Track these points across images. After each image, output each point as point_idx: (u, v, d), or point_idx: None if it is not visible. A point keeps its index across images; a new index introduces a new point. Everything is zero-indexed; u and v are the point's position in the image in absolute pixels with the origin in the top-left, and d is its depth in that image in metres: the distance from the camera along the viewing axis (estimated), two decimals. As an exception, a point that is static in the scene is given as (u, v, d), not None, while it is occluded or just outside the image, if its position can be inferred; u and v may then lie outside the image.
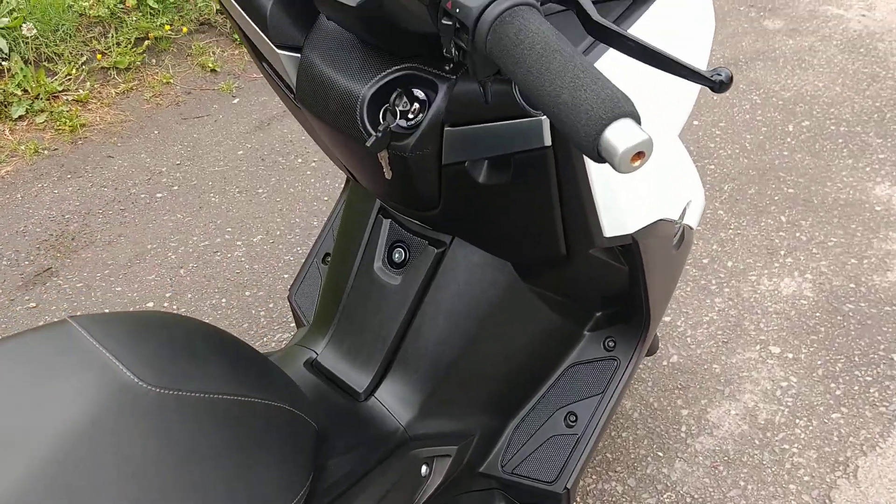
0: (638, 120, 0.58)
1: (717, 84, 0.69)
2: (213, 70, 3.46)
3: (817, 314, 2.24)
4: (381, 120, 0.91)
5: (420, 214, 1.07)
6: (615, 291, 1.25)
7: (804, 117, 3.02)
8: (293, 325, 2.18)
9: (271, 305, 2.27)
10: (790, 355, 2.12)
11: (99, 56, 3.32)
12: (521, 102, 0.79)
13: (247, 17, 1.01)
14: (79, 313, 0.90)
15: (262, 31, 1.00)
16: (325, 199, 2.68)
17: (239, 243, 2.52)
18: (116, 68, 3.33)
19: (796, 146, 2.87)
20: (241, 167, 2.88)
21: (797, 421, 1.95)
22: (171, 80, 3.36)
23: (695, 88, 1.08)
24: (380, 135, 0.88)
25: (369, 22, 0.84)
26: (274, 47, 0.99)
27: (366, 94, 0.91)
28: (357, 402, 1.13)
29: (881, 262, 2.39)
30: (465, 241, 1.09)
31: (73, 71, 3.22)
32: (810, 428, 1.94)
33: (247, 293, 2.32)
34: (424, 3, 0.73)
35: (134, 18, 3.46)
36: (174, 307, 2.28)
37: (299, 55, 0.99)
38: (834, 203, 2.61)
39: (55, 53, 3.24)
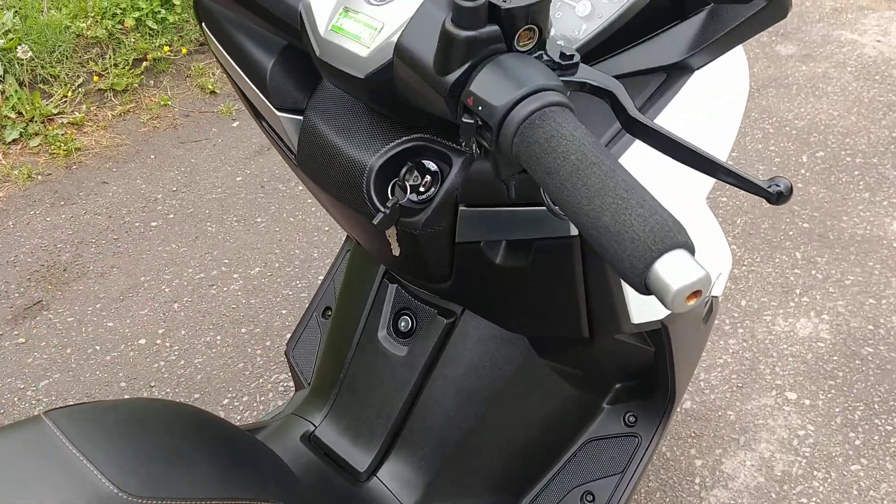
0: (692, 251, 0.50)
1: (773, 196, 0.61)
2: (212, 92, 3.39)
3: (835, 358, 2.15)
4: (389, 194, 0.83)
5: (429, 286, 0.99)
6: (638, 367, 1.17)
7: (818, 148, 2.94)
8: (291, 365, 2.10)
9: (268, 343, 2.18)
10: (807, 402, 2.04)
11: (96, 78, 3.24)
12: (550, 205, 0.71)
13: (245, 77, 0.93)
14: (55, 407, 0.82)
15: (262, 93, 0.92)
16: (327, 229, 2.60)
17: (236, 276, 2.43)
18: (113, 90, 3.25)
19: (811, 178, 2.80)
20: (240, 194, 2.80)
21: (815, 473, 1.87)
22: (170, 102, 3.29)
23: (725, 148, 1.00)
24: (388, 211, 0.80)
25: (378, 94, 0.76)
26: (274, 110, 0.92)
27: (373, 166, 0.83)
28: (357, 482, 1.05)
29: (901, 303, 2.31)
30: (478, 314, 1.01)
31: (69, 93, 3.15)
32: (829, 480, 1.85)
33: (243, 330, 2.24)
34: (442, 96, 0.65)
35: (132, 39, 3.39)
36: (167, 344, 2.19)
37: (301, 118, 0.91)
38: (850, 239, 2.53)
39: (51, 75, 3.17)
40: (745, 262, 2.47)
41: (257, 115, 0.99)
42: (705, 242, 1.03)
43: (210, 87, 3.39)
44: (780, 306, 2.31)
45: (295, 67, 0.91)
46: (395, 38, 0.71)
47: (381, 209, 0.81)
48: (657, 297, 0.49)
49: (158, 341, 2.21)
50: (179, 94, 3.37)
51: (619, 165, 0.53)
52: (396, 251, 0.87)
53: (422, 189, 0.83)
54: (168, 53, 3.46)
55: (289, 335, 2.16)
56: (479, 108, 0.60)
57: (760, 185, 0.61)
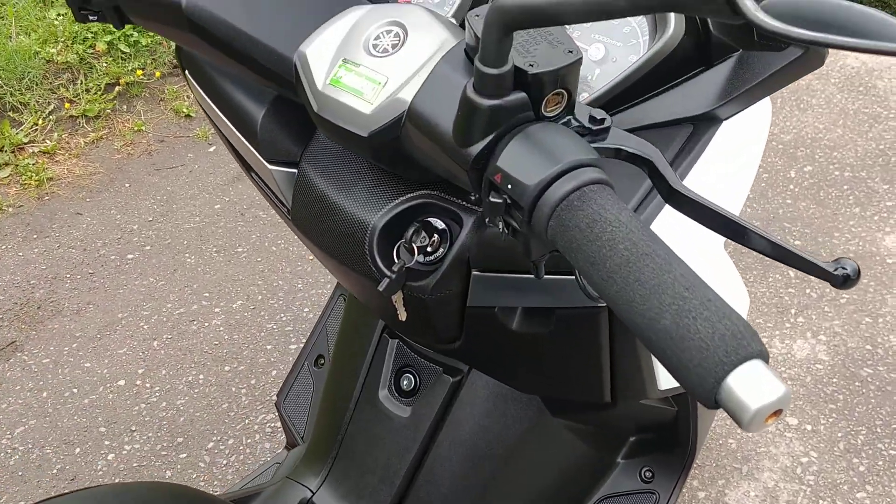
0: (767, 359, 0.43)
1: (839, 279, 0.54)
2: (187, 115, 3.30)
3: (834, 380, 2.11)
4: (394, 257, 0.76)
5: (435, 346, 0.92)
6: (656, 422, 1.11)
7: (806, 162, 2.90)
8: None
9: (253, 382, 2.11)
10: (809, 427, 1.99)
11: (67, 104, 3.15)
12: (586, 288, 0.64)
13: (233, 129, 0.86)
14: (34, 503, 0.75)
15: (252, 145, 0.85)
16: (311, 258, 2.53)
17: (217, 310, 2.35)
18: (85, 116, 3.16)
19: (800, 194, 2.76)
20: (219, 223, 2.72)
21: (820, 502, 1.83)
22: (144, 128, 3.20)
23: (743, 189, 0.94)
24: (394, 276, 0.73)
25: (383, 152, 0.69)
26: (265, 163, 0.85)
27: (376, 225, 0.76)
28: None
29: (897, 321, 2.27)
30: (488, 375, 0.94)
31: (40, 121, 3.05)
32: (835, 510, 1.81)
33: (226, 368, 2.16)
34: (464, 169, 0.58)
35: (104, 64, 3.30)
36: (147, 385, 2.11)
37: (295, 170, 0.84)
38: (843, 256, 2.49)
39: (20, 103, 3.07)
40: (738, 282, 2.42)
41: (247, 168, 0.92)
42: (726, 289, 0.98)
43: (185, 110, 3.31)
44: (776, 327, 2.26)
45: (288, 117, 0.84)
46: (401, 95, 0.65)
47: (387, 273, 0.74)
48: (730, 415, 0.43)
49: (138, 382, 2.13)
50: (153, 118, 3.28)
51: (674, 256, 0.47)
52: (403, 316, 0.80)
53: (429, 249, 0.76)
54: (141, 77, 3.37)
55: (274, 372, 2.09)
56: (509, 186, 0.53)
57: (823, 267, 0.55)
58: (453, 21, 0.72)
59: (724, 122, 0.79)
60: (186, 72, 0.91)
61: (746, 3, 0.41)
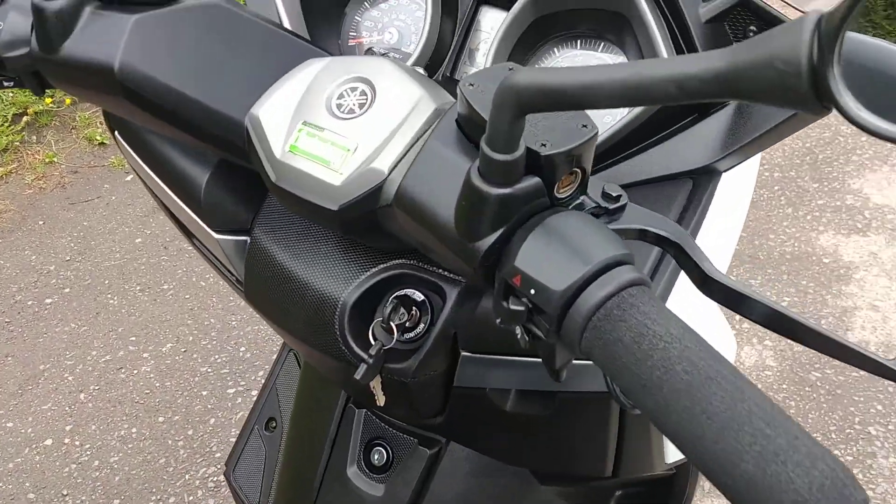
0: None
1: None
2: (101, 143, 3.15)
3: (784, 386, 2.10)
4: (370, 337, 0.67)
5: (413, 421, 0.84)
6: (648, 480, 1.05)
7: (736, 164, 2.91)
8: (219, 456, 1.91)
9: (190, 432, 1.99)
10: (764, 437, 1.98)
11: (-31, 139, 2.97)
12: (622, 400, 0.57)
13: (172, 195, 0.77)
14: None
15: (195, 213, 0.76)
16: (241, 291, 2.42)
17: (146, 355, 2.22)
18: (-9, 151, 2.99)
19: (733, 196, 2.76)
20: (141, 259, 2.58)
21: (783, 515, 1.81)
22: (55, 159, 3.03)
23: (733, 243, 0.87)
24: (371, 360, 0.65)
25: (355, 226, 0.60)
26: (211, 232, 0.75)
27: (347, 301, 0.67)
28: None
29: (839, 321, 2.27)
30: (472, 449, 0.86)
31: (-60, 159, 2.87)
32: (797, 521, 1.79)
33: (160, 419, 2.03)
34: (472, 267, 0.50)
35: (10, 93, 3.12)
36: (76, 443, 1.97)
37: (247, 238, 0.75)
38: (781, 258, 2.49)
39: (-83, 140, 2.89)
40: (681, 291, 2.40)
41: (189, 235, 0.83)
42: (713, 335, 0.92)
43: (98, 138, 3.15)
44: (722, 336, 2.25)
45: (235, 181, 0.75)
46: (375, 164, 0.57)
47: (364, 357, 0.65)
48: None
49: (67, 440, 1.99)
50: (66, 148, 3.11)
51: (743, 377, 0.39)
52: (381, 401, 0.72)
53: (408, 325, 0.67)
54: (51, 105, 3.20)
55: (213, 420, 1.98)
56: (531, 291, 0.45)
57: (885, 364, 0.48)
58: (422, 72, 0.64)
59: (724, 175, 0.73)
60: (116, 133, 0.81)
61: (847, 101, 0.33)
